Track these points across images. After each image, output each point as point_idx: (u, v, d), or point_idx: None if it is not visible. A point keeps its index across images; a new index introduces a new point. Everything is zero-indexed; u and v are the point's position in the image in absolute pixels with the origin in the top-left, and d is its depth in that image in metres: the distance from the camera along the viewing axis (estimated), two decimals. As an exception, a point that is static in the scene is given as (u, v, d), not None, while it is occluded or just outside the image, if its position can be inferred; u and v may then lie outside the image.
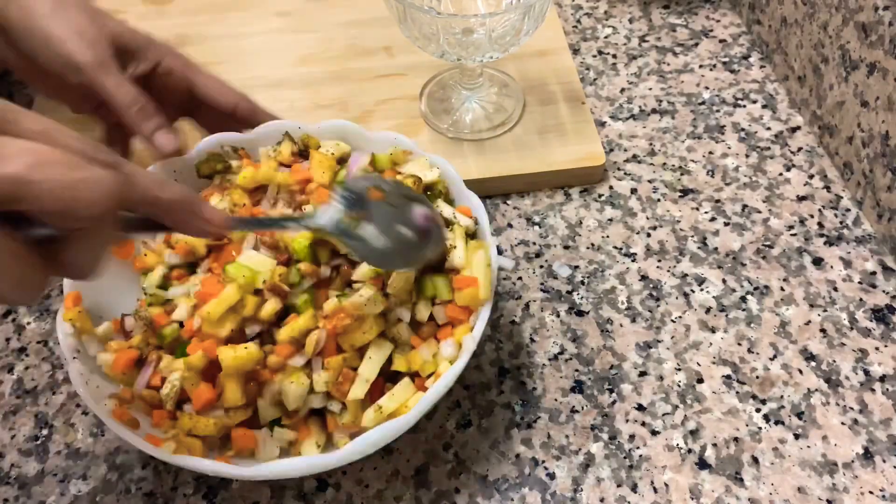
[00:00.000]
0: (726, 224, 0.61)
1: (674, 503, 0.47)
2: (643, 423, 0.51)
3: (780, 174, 0.64)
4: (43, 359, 0.55)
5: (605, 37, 0.76)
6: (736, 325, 0.55)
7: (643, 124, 0.68)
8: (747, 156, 0.66)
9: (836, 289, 0.57)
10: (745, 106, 0.69)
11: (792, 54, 0.69)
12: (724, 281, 0.58)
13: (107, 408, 0.44)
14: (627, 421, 0.51)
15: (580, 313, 0.56)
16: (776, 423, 0.50)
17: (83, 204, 0.29)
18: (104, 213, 0.30)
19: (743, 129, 0.68)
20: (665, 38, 0.76)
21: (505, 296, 0.57)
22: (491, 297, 0.47)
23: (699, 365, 0.53)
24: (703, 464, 0.49)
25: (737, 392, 0.52)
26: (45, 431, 0.51)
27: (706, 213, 0.62)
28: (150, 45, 0.54)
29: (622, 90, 0.71)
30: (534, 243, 0.60)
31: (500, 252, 0.60)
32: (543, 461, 0.49)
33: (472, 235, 0.50)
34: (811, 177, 0.64)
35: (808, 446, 0.49)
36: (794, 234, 0.60)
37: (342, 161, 0.53)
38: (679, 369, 0.53)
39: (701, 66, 0.73)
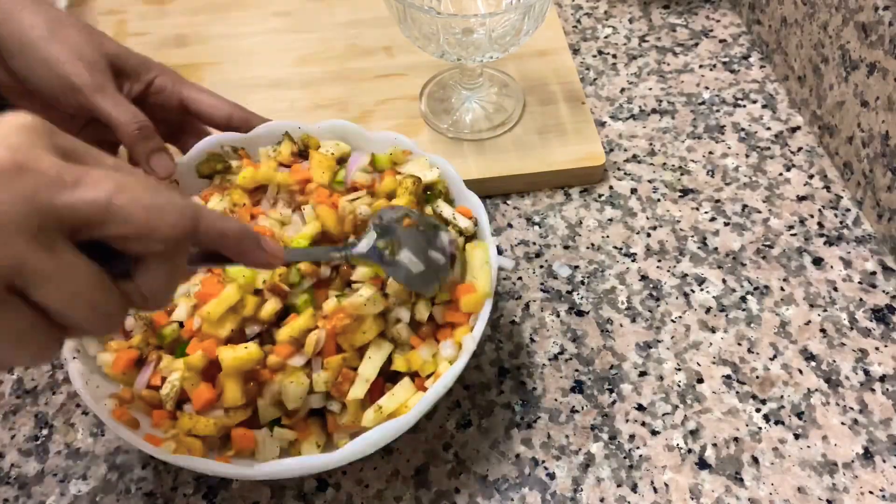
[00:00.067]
0: (726, 224, 0.61)
1: (674, 503, 0.47)
2: (643, 423, 0.51)
3: (780, 174, 0.64)
4: (43, 359, 0.55)
5: (605, 37, 0.76)
6: (736, 325, 0.55)
7: (643, 124, 0.68)
8: (747, 156, 0.66)
9: (836, 289, 0.57)
10: (745, 106, 0.69)
11: (792, 54, 0.69)
12: (724, 281, 0.58)
13: (107, 408, 0.44)
14: (627, 421, 0.51)
15: (580, 313, 0.56)
16: (776, 423, 0.50)
17: (166, 225, 0.30)
18: (184, 236, 0.31)
19: (743, 129, 0.68)
20: (665, 38, 0.76)
21: (505, 296, 0.57)
22: (491, 297, 0.47)
23: (699, 365, 0.53)
24: (703, 464, 0.49)
25: (737, 392, 0.52)
26: (45, 431, 0.51)
27: (706, 213, 0.62)
28: (144, 64, 0.54)
29: (622, 90, 0.71)
30: (534, 243, 0.60)
31: (500, 252, 0.60)
32: (543, 461, 0.49)
33: (472, 236, 0.50)
34: (811, 177, 0.64)
35: (808, 446, 0.49)
36: (794, 234, 0.60)
37: (342, 161, 0.53)
38: (679, 369, 0.53)
39: (701, 66, 0.73)
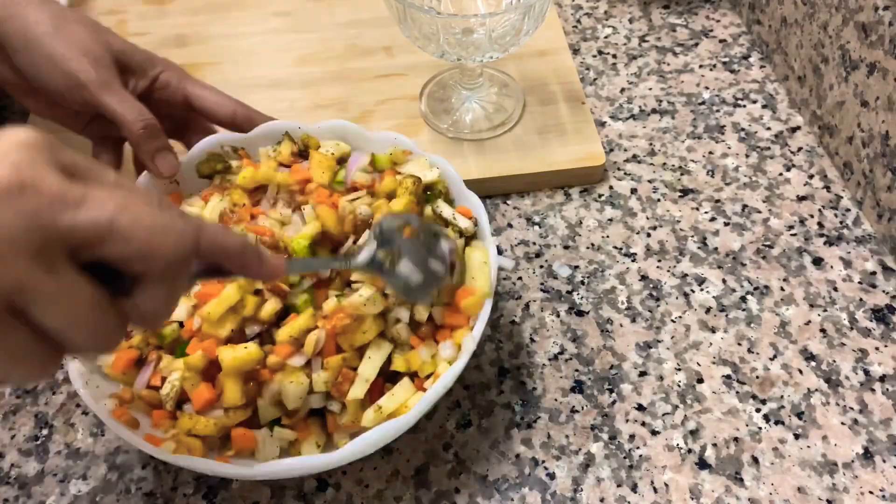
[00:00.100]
0: (726, 224, 0.61)
1: (674, 503, 0.47)
2: (643, 423, 0.51)
3: (780, 174, 0.64)
4: (43, 359, 0.55)
5: (605, 37, 0.76)
6: (736, 325, 0.55)
7: (643, 124, 0.68)
8: (747, 156, 0.66)
9: (836, 289, 0.57)
10: (745, 106, 0.69)
11: (792, 54, 0.69)
12: (724, 281, 0.58)
13: (107, 408, 0.44)
14: (627, 421, 0.51)
15: (580, 313, 0.56)
16: (776, 423, 0.50)
17: (167, 247, 0.30)
18: (185, 257, 0.31)
19: (743, 129, 0.68)
20: (665, 38, 0.76)
21: (505, 296, 0.57)
22: (490, 297, 0.47)
23: (699, 365, 0.53)
24: (703, 464, 0.49)
25: (737, 392, 0.52)
26: (45, 431, 0.51)
27: (706, 213, 0.62)
28: (149, 60, 0.54)
29: (622, 90, 0.71)
30: (534, 243, 0.60)
31: (500, 252, 0.60)
32: (543, 461, 0.49)
33: (472, 236, 0.50)
34: (811, 177, 0.64)
35: (808, 446, 0.49)
36: (794, 234, 0.60)
37: (342, 161, 0.53)
38: (679, 369, 0.53)
39: (701, 66, 0.73)
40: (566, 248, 0.60)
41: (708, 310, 0.56)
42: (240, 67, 0.72)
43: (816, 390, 0.52)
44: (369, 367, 0.45)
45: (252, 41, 0.74)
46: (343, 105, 0.68)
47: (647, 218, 0.62)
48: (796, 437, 0.50)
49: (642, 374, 0.53)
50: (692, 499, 0.47)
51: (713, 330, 0.55)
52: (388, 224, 0.46)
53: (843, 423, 0.50)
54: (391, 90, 0.69)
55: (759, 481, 0.48)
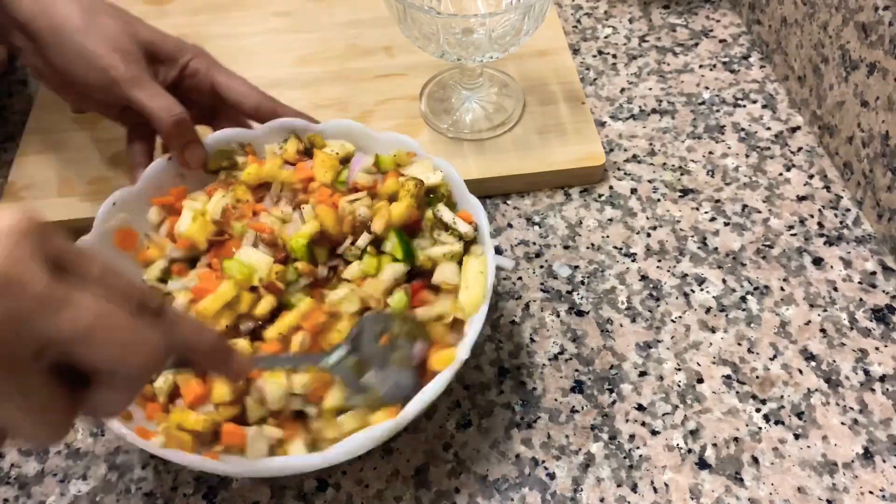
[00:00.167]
0: (726, 224, 0.61)
1: (674, 503, 0.47)
2: (643, 423, 0.51)
3: (780, 174, 0.64)
4: (43, 359, 0.55)
5: (605, 37, 0.76)
6: (736, 325, 0.55)
7: (643, 124, 0.68)
8: (747, 156, 0.66)
9: (836, 289, 0.57)
10: (745, 106, 0.69)
11: (792, 54, 0.69)
12: (724, 281, 0.58)
13: None
14: (627, 421, 0.51)
15: (580, 313, 0.56)
16: (776, 423, 0.50)
17: (138, 361, 0.30)
18: (153, 370, 0.31)
19: (743, 129, 0.68)
20: (665, 38, 0.76)
21: (505, 296, 0.57)
22: (484, 305, 0.46)
23: (699, 365, 0.53)
24: (703, 464, 0.49)
25: (737, 392, 0.52)
26: (45, 431, 0.51)
27: (706, 213, 0.62)
28: (179, 49, 0.55)
29: (622, 90, 0.71)
30: (534, 243, 0.60)
31: (499, 252, 0.60)
32: (543, 461, 0.49)
33: (471, 241, 0.50)
34: (811, 177, 0.64)
35: (808, 446, 0.49)
36: (794, 234, 0.60)
37: (346, 161, 0.53)
38: (679, 369, 0.53)
39: (701, 66, 0.73)
40: (566, 248, 0.60)
41: (708, 310, 0.56)
42: (240, 67, 0.71)
43: (816, 390, 0.52)
44: None
45: (252, 41, 0.74)
46: (343, 105, 0.68)
47: (647, 218, 0.62)
48: (796, 437, 0.50)
49: (642, 374, 0.53)
50: (692, 499, 0.47)
51: (713, 330, 0.55)
52: (369, 328, 0.45)
53: (843, 423, 0.50)
54: (391, 90, 0.69)
55: (759, 481, 0.48)
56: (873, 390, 0.52)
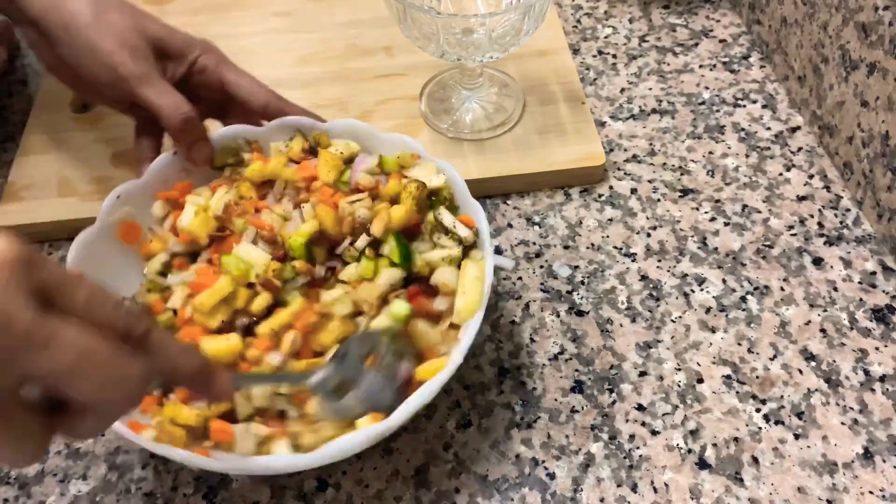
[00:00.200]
0: (726, 224, 0.61)
1: (674, 503, 0.47)
2: (643, 423, 0.51)
3: (780, 174, 0.64)
4: (43, 359, 0.55)
5: (605, 37, 0.76)
6: (736, 325, 0.55)
7: (643, 124, 0.68)
8: (747, 156, 0.66)
9: (836, 289, 0.57)
10: (745, 106, 0.69)
11: (792, 54, 0.69)
12: (724, 281, 0.58)
13: None
14: (627, 421, 0.51)
15: (580, 313, 0.56)
16: (776, 423, 0.50)
17: (119, 396, 0.30)
18: (132, 404, 0.32)
19: (743, 129, 0.68)
20: (665, 38, 0.76)
21: (505, 296, 0.57)
22: (480, 311, 0.46)
23: (699, 365, 0.53)
24: (703, 464, 0.49)
25: (737, 392, 0.52)
26: (45, 431, 0.51)
27: (706, 213, 0.62)
28: (188, 44, 0.55)
29: (622, 90, 0.71)
30: (534, 243, 0.60)
31: (499, 252, 0.60)
32: (543, 461, 0.49)
33: (471, 245, 0.50)
34: (811, 177, 0.64)
35: (808, 446, 0.49)
36: (794, 234, 0.60)
37: (350, 161, 0.53)
38: (679, 369, 0.53)
39: (701, 66, 0.73)
40: (566, 248, 0.60)
41: (708, 310, 0.56)
42: (240, 67, 0.71)
43: (816, 390, 0.52)
44: None
45: (252, 41, 0.74)
46: (343, 105, 0.68)
47: (647, 218, 0.62)
48: (796, 437, 0.50)
49: (642, 374, 0.53)
50: (692, 499, 0.47)
51: (713, 330, 0.55)
52: (354, 349, 0.45)
53: (843, 423, 0.50)
54: (391, 90, 0.69)
55: (759, 481, 0.48)
56: (873, 390, 0.52)
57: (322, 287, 0.47)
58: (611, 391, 0.52)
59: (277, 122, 0.55)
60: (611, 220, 0.62)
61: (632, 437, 0.50)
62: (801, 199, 0.62)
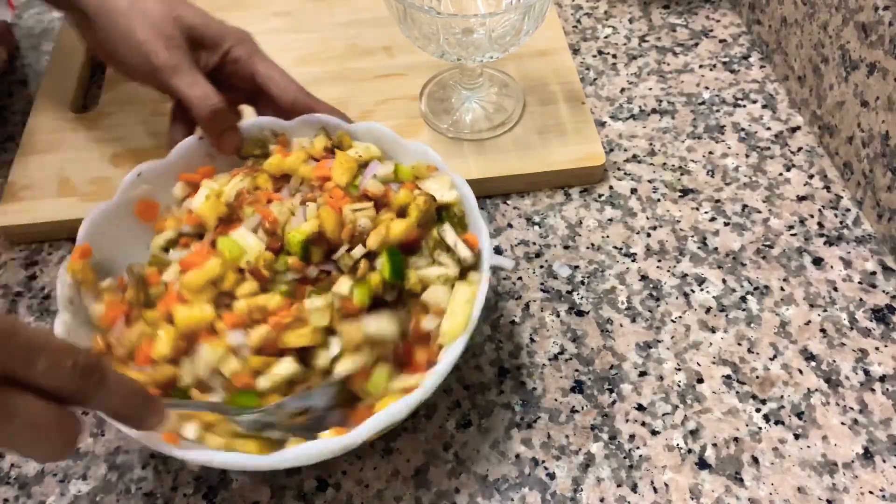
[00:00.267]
0: (726, 224, 0.61)
1: (674, 503, 0.47)
2: (643, 423, 0.51)
3: (780, 174, 0.64)
4: (43, 359, 0.55)
5: (605, 37, 0.76)
6: (736, 325, 0.55)
7: (643, 124, 0.68)
8: (747, 156, 0.66)
9: (836, 289, 0.57)
10: (745, 106, 0.69)
11: (792, 54, 0.69)
12: (724, 281, 0.58)
13: None
14: (627, 421, 0.51)
15: (580, 313, 0.56)
16: (776, 423, 0.50)
17: (49, 458, 0.35)
18: (64, 456, 0.35)
19: (743, 129, 0.68)
20: (665, 38, 0.76)
21: (505, 296, 0.57)
22: (464, 335, 0.44)
23: (699, 365, 0.53)
24: (703, 464, 0.49)
25: (737, 392, 0.52)
26: (45, 431, 0.51)
27: (706, 213, 0.62)
28: (222, 34, 0.56)
29: (622, 90, 0.71)
30: (534, 243, 0.60)
31: (499, 252, 0.60)
32: (543, 461, 0.49)
33: (471, 267, 0.48)
34: (811, 177, 0.64)
35: (808, 446, 0.49)
36: (794, 234, 0.60)
37: (367, 165, 0.52)
38: (679, 369, 0.53)
39: (701, 66, 0.73)
40: (566, 248, 0.60)
41: (708, 310, 0.56)
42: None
43: (816, 390, 0.52)
44: (264, 381, 0.44)
45: (252, 41, 0.74)
46: (343, 105, 0.67)
47: (647, 218, 0.62)
48: (796, 437, 0.50)
49: (642, 374, 0.53)
50: (692, 499, 0.47)
51: (713, 330, 0.55)
52: (289, 407, 0.44)
53: (843, 423, 0.50)
54: (391, 90, 0.69)
55: (759, 481, 0.48)
56: (873, 390, 0.52)
57: (312, 285, 0.47)
58: (611, 391, 0.52)
59: (304, 118, 0.55)
60: (611, 220, 0.62)
61: (632, 437, 0.50)
62: (801, 199, 0.62)
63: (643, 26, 0.77)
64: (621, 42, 0.75)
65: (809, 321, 0.55)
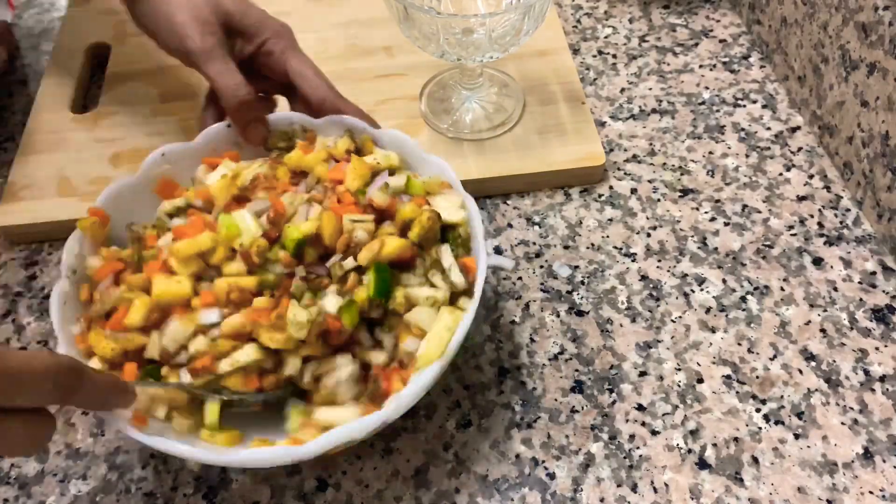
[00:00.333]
0: (726, 224, 0.61)
1: (674, 503, 0.47)
2: (643, 423, 0.51)
3: (780, 174, 0.64)
4: (43, 359, 0.55)
5: (605, 37, 0.76)
6: (736, 325, 0.55)
7: (643, 124, 0.68)
8: (747, 156, 0.66)
9: (836, 289, 0.57)
10: (745, 106, 0.69)
11: (792, 54, 0.69)
12: (724, 281, 0.58)
13: (72, 332, 0.45)
14: (627, 421, 0.51)
15: (580, 313, 0.56)
16: (776, 423, 0.50)
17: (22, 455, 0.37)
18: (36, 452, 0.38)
19: (743, 129, 0.68)
20: (665, 38, 0.76)
21: (505, 296, 0.57)
22: (437, 363, 0.43)
23: (699, 365, 0.53)
24: (703, 464, 0.49)
25: (737, 392, 0.52)
26: (45, 431, 0.51)
27: (706, 213, 0.62)
28: (259, 25, 0.56)
29: (622, 90, 0.71)
30: (534, 243, 0.60)
31: (499, 252, 0.60)
32: (543, 461, 0.49)
33: (464, 292, 0.47)
34: (811, 177, 0.64)
35: (808, 446, 0.49)
36: (794, 234, 0.60)
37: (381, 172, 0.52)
38: (679, 369, 0.53)
39: (701, 66, 0.73)
40: (566, 248, 0.60)
41: (708, 310, 0.56)
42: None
43: (816, 390, 0.52)
44: (226, 364, 0.44)
45: (252, 41, 0.74)
46: (343, 105, 0.68)
47: (647, 218, 0.62)
48: (796, 437, 0.50)
49: (642, 374, 0.53)
50: (692, 499, 0.47)
51: (713, 330, 0.55)
52: (249, 398, 0.45)
53: (843, 423, 0.50)
54: (391, 90, 0.69)
55: (759, 481, 0.48)
56: (873, 390, 0.52)
57: (300, 282, 0.46)
58: (611, 391, 0.52)
59: (331, 118, 0.55)
60: (611, 220, 0.62)
61: (632, 437, 0.50)
62: (801, 199, 0.62)
63: (643, 26, 0.77)
64: (621, 42, 0.75)
65: (809, 321, 0.55)
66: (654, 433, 0.50)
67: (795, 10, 0.67)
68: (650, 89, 0.71)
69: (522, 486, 0.48)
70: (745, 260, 0.59)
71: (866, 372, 0.52)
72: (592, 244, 0.60)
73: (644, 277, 0.58)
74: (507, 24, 0.54)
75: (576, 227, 0.61)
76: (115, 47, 0.73)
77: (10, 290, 0.59)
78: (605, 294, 0.57)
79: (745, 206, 0.62)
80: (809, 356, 0.53)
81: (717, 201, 0.62)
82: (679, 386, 0.52)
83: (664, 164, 0.65)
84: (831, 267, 0.58)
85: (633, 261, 0.59)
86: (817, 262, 0.58)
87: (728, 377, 0.53)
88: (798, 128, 0.68)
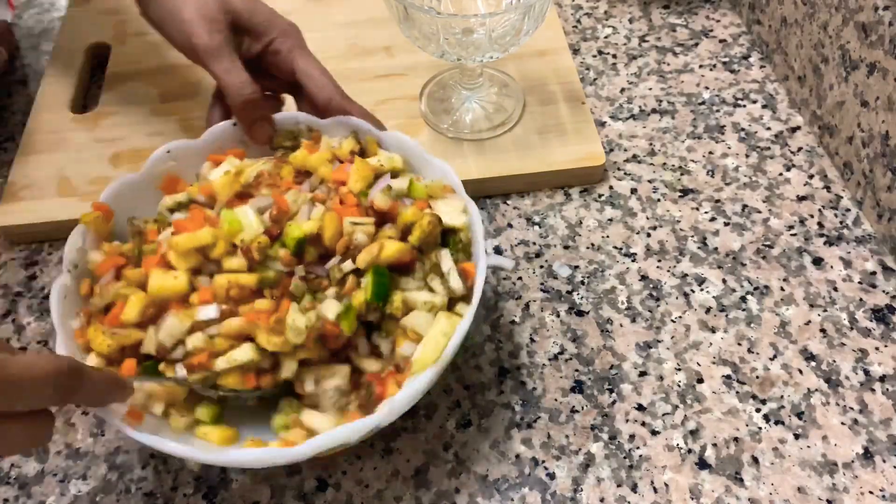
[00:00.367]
0: (726, 224, 0.61)
1: (674, 503, 0.47)
2: (643, 423, 0.51)
3: (780, 174, 0.64)
4: (43, 359, 0.55)
5: (605, 37, 0.76)
6: (736, 325, 0.55)
7: (643, 124, 0.68)
8: (747, 156, 0.66)
9: (836, 289, 0.57)
10: (745, 106, 0.69)
11: (792, 54, 0.69)
12: (724, 281, 0.58)
13: (72, 327, 0.45)
14: (627, 421, 0.51)
15: (580, 313, 0.56)
16: (776, 423, 0.50)
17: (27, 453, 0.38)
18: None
19: (743, 129, 0.68)
20: (665, 38, 0.76)
21: (505, 296, 0.57)
22: (431, 369, 0.43)
23: (699, 365, 0.53)
24: (703, 464, 0.49)
25: (737, 392, 0.52)
26: (45, 431, 0.51)
27: (706, 213, 0.62)
28: (266, 24, 0.56)
29: (622, 90, 0.71)
30: (534, 243, 0.60)
31: (499, 252, 0.60)
32: (543, 461, 0.49)
33: (462, 297, 0.47)
34: (811, 177, 0.64)
35: (808, 446, 0.49)
36: (794, 234, 0.60)
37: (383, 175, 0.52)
38: (679, 369, 0.53)
39: (701, 66, 0.73)
40: (566, 248, 0.60)
41: (708, 310, 0.56)
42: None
43: (816, 390, 0.52)
44: (223, 362, 0.44)
45: (252, 41, 0.74)
46: (343, 105, 0.68)
47: (647, 218, 0.62)
48: (796, 437, 0.50)
49: (642, 374, 0.53)
50: (692, 499, 0.47)
51: (713, 330, 0.55)
52: (244, 396, 0.45)
53: (843, 423, 0.50)
54: (391, 90, 0.69)
55: (759, 481, 0.48)
56: (873, 390, 0.52)
57: (300, 281, 0.46)
58: (611, 391, 0.52)
59: (337, 118, 0.55)
60: (611, 220, 0.62)
61: (632, 437, 0.50)
62: (801, 199, 0.62)
63: (643, 26, 0.77)
64: (621, 42, 0.75)
65: (809, 321, 0.55)
66: (654, 433, 0.50)
67: (795, 10, 0.67)
68: (650, 89, 0.71)
69: (522, 486, 0.48)
70: (745, 260, 0.59)
71: (866, 372, 0.53)
72: (592, 244, 0.60)
73: (644, 277, 0.58)
74: (507, 24, 0.54)
75: (576, 227, 0.61)
76: (115, 47, 0.73)
77: (10, 290, 0.59)
78: (605, 294, 0.57)
79: (745, 206, 0.62)
80: (809, 356, 0.53)
81: (717, 201, 0.62)
82: (679, 386, 0.52)
83: (664, 164, 0.65)
84: (831, 267, 0.58)
85: (633, 261, 0.59)
86: (817, 262, 0.58)
87: (728, 377, 0.53)
88: (798, 128, 0.68)
